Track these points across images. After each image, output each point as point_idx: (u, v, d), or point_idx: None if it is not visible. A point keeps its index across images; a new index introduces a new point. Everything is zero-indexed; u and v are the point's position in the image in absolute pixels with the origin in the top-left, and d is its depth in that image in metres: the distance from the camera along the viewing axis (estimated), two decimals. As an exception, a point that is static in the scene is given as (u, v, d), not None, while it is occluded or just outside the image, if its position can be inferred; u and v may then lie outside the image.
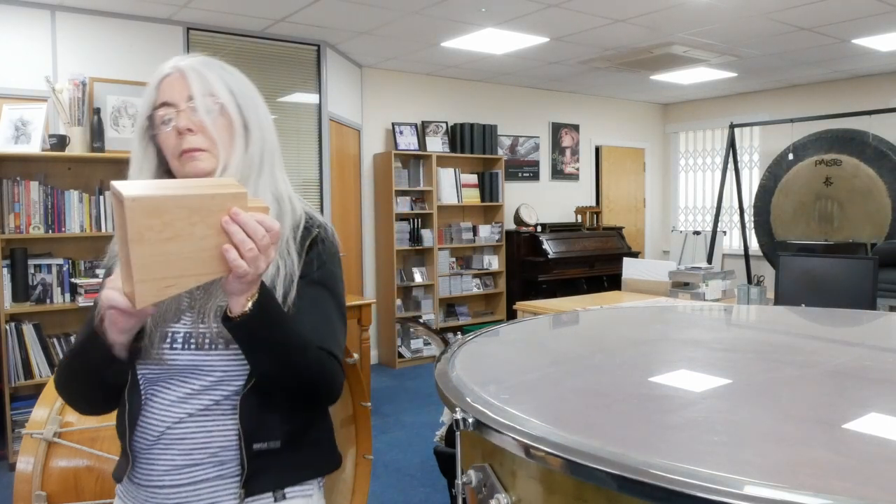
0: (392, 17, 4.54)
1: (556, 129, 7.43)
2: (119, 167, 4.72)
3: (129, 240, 0.84)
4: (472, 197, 6.57)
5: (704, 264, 4.48)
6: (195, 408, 1.09)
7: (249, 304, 0.98)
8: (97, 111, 4.12)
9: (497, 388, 0.98)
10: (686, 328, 1.58)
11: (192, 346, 1.10)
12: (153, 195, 0.86)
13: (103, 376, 1.09)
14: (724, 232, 7.55)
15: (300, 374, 1.08)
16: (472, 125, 6.46)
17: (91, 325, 1.07)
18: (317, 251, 1.18)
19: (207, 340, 1.10)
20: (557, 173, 7.48)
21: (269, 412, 1.10)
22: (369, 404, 1.62)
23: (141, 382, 1.11)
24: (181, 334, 1.11)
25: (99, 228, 4.04)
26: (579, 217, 7.33)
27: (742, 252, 6.40)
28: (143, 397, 1.11)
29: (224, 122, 1.12)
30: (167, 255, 0.87)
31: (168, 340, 1.10)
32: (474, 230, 6.58)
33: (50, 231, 3.91)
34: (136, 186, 0.87)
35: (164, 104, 1.11)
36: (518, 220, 6.85)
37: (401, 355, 6.09)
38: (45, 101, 3.96)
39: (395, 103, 6.26)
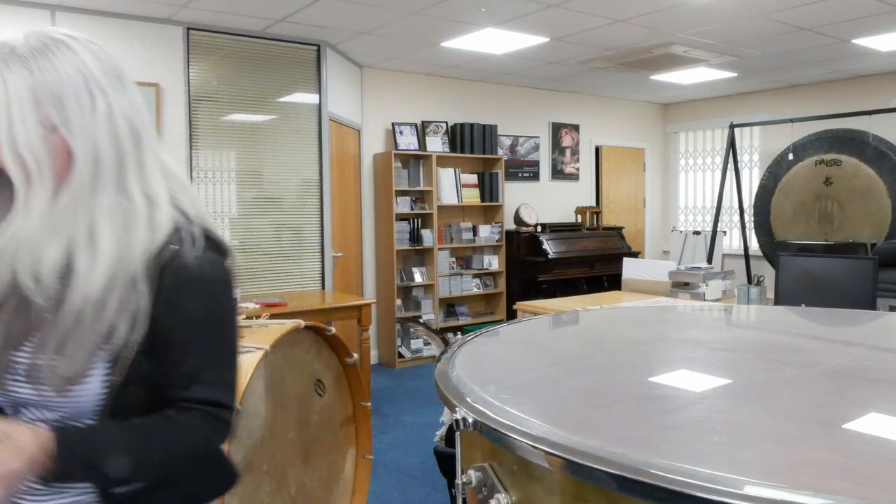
0: (392, 17, 4.54)
1: (556, 129, 7.43)
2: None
3: None
4: (472, 197, 6.57)
5: (704, 264, 4.48)
6: None
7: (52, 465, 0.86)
8: (97, 111, 4.12)
9: (497, 388, 0.98)
10: (686, 328, 1.58)
11: (32, 381, 0.95)
12: None
13: None
14: (724, 232, 7.54)
15: (164, 472, 0.98)
16: (472, 125, 6.46)
17: None
18: (166, 283, 0.95)
19: (45, 376, 0.94)
20: (557, 173, 7.48)
21: None
22: (369, 404, 1.62)
23: None
24: (23, 366, 0.96)
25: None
26: (579, 217, 7.33)
27: (742, 252, 6.39)
28: None
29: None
30: None
31: (10, 371, 0.97)
32: (474, 230, 6.57)
33: (50, 231, 3.90)
34: None
35: None
36: (518, 220, 6.85)
37: (401, 355, 6.09)
38: (45, 101, 3.96)
39: (395, 103, 6.26)
